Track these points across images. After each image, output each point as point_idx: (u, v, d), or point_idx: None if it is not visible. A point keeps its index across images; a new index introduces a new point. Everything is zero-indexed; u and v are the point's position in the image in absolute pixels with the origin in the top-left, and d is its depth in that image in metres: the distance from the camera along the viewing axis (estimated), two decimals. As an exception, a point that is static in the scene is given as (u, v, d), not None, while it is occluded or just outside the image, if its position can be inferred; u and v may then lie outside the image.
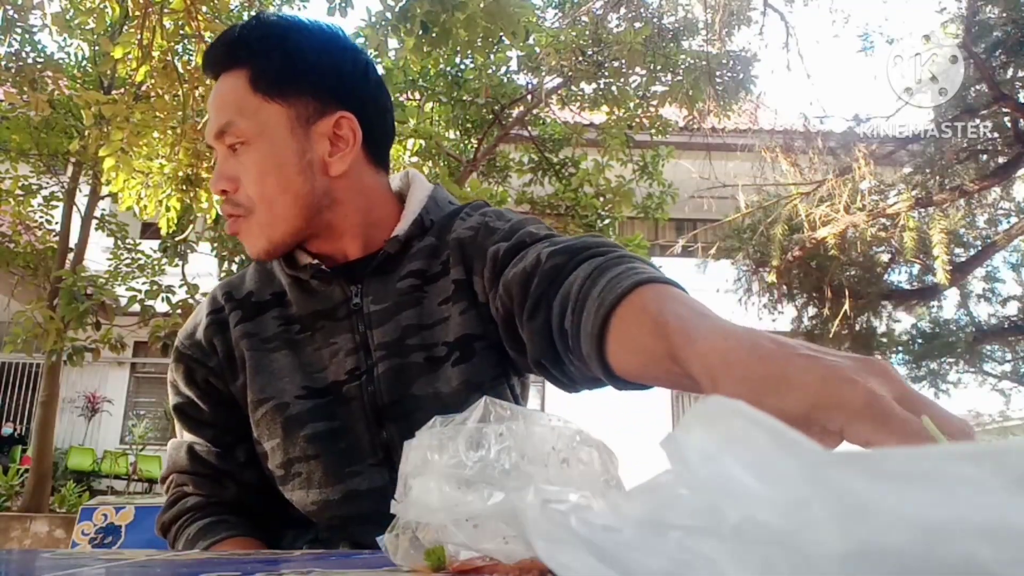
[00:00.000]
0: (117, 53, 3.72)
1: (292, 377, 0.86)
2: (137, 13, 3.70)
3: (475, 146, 7.02)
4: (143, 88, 4.80)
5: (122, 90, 5.44)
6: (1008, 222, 6.02)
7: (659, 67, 6.32)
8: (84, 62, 7.41)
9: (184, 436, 0.93)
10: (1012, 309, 6.49)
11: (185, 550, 0.85)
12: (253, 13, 8.17)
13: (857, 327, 6.41)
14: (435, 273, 0.87)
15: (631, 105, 6.50)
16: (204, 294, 5.55)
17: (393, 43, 3.92)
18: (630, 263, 0.64)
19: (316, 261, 0.87)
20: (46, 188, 7.26)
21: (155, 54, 3.77)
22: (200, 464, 0.90)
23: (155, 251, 6.82)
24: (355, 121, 0.84)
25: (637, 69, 6.28)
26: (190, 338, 0.92)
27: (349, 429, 0.85)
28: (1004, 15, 4.81)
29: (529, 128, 7.04)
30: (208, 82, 4.20)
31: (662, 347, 0.52)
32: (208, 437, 0.91)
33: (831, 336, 6.23)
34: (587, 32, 6.19)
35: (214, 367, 0.89)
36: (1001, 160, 5.28)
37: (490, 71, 6.52)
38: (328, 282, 0.87)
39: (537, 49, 5.98)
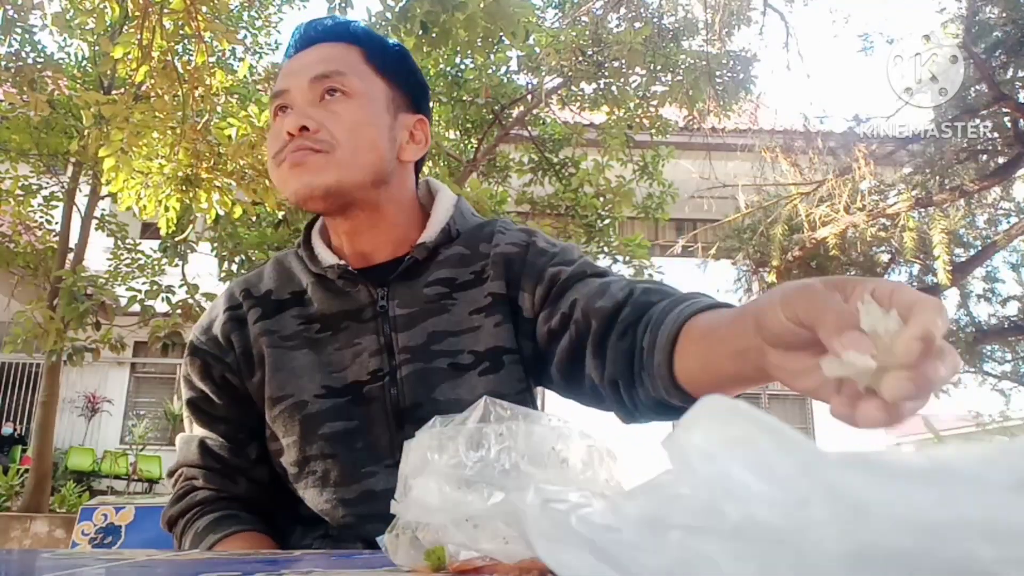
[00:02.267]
0: (117, 53, 3.72)
1: (311, 376, 0.86)
2: (137, 13, 3.70)
3: (475, 146, 7.02)
4: (143, 88, 4.80)
5: (122, 90, 5.44)
6: (1008, 222, 6.02)
7: (659, 67, 6.31)
8: (84, 62, 7.40)
9: (195, 430, 0.92)
10: (1012, 309, 6.49)
11: (193, 545, 0.85)
12: (253, 13, 8.17)
13: (857, 327, 6.40)
14: (465, 282, 0.89)
15: (631, 105, 6.49)
16: (204, 294, 5.56)
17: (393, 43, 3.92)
18: (711, 299, 0.71)
19: (343, 262, 0.88)
20: (46, 188, 7.25)
21: (155, 54, 3.77)
22: (212, 459, 0.90)
23: (155, 251, 6.81)
24: (428, 128, 0.92)
25: (637, 69, 6.27)
26: (206, 333, 0.92)
27: (368, 430, 0.85)
28: (1004, 15, 4.81)
29: (529, 128, 7.04)
30: (208, 82, 4.19)
31: (725, 331, 0.59)
32: (221, 432, 0.91)
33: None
34: (587, 32, 6.18)
35: (231, 363, 0.90)
36: (1001, 160, 5.28)
37: (490, 71, 6.52)
38: (354, 283, 0.88)
39: (537, 49, 5.98)
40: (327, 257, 0.89)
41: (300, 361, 0.87)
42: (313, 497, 0.86)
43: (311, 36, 0.88)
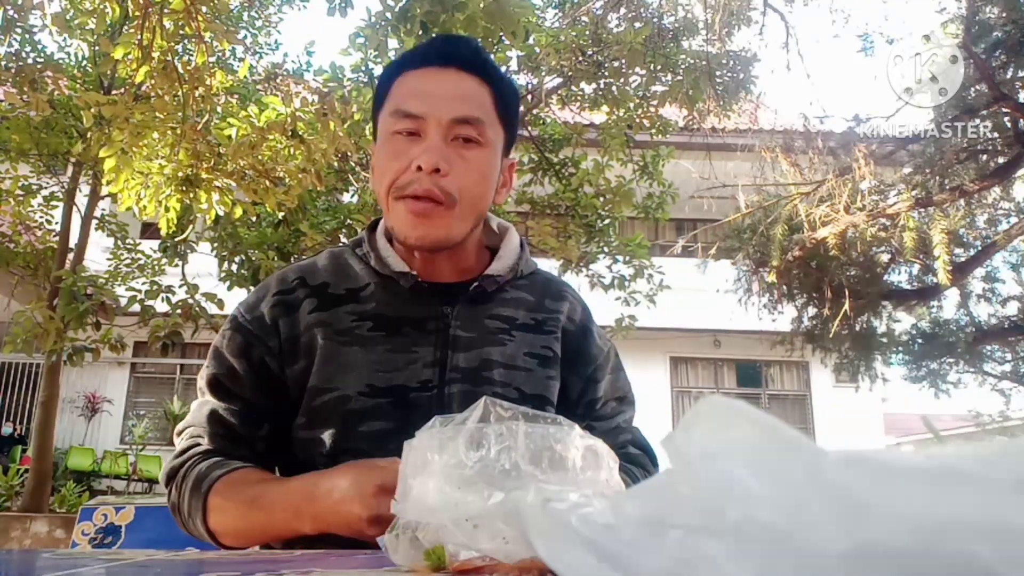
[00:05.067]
0: (117, 53, 3.72)
1: (358, 373, 0.88)
2: (137, 13, 3.70)
3: (475, 146, 6.99)
4: (143, 89, 4.80)
5: (122, 90, 5.44)
6: (1008, 222, 6.02)
7: (659, 67, 6.31)
8: (84, 62, 7.40)
9: (209, 398, 0.92)
10: (1012, 309, 6.48)
11: (195, 485, 0.85)
12: (253, 13, 8.16)
13: (857, 327, 6.40)
14: (525, 324, 0.96)
15: (631, 105, 6.49)
16: (204, 294, 5.55)
17: (393, 43, 3.92)
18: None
19: (414, 272, 0.91)
20: (46, 188, 7.24)
21: (155, 54, 3.76)
22: (220, 426, 0.90)
23: (155, 251, 6.81)
24: (514, 171, 0.98)
25: (637, 69, 6.27)
26: (251, 311, 0.93)
27: (404, 433, 0.86)
28: (1004, 15, 4.80)
29: (529, 128, 7.04)
30: (208, 82, 4.19)
31: None
32: (237, 407, 0.91)
33: (831, 336, 6.23)
34: (587, 32, 6.18)
35: (272, 347, 0.91)
36: (1001, 160, 5.28)
37: (490, 71, 6.50)
38: (422, 295, 0.92)
39: (537, 49, 5.98)
40: (397, 263, 0.92)
41: (350, 357, 0.89)
42: None
43: (450, 55, 0.89)
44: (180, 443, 0.92)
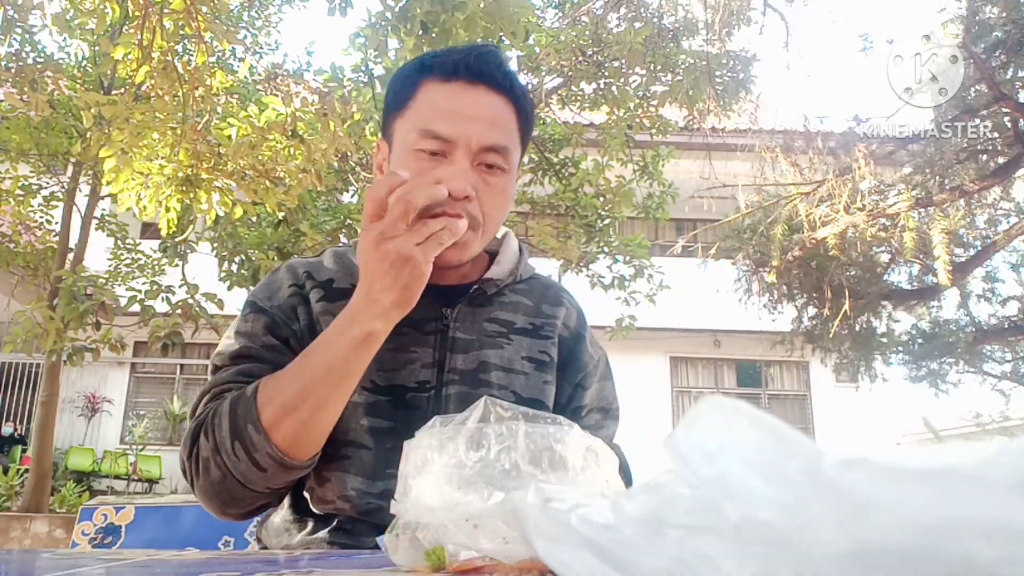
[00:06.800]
0: (117, 53, 3.72)
1: None
2: (137, 13, 3.70)
3: (475, 146, 7.00)
4: (143, 89, 4.80)
5: (122, 91, 5.44)
6: (1008, 222, 6.02)
7: (659, 67, 6.31)
8: (84, 62, 7.40)
9: (231, 367, 0.87)
10: (1012, 309, 6.49)
11: (236, 402, 0.79)
12: (253, 13, 8.16)
13: (857, 327, 6.41)
14: (523, 329, 0.97)
15: (631, 105, 6.49)
16: (204, 294, 5.55)
17: (393, 43, 3.92)
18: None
19: None
20: (46, 188, 7.24)
21: (155, 55, 3.77)
22: (252, 378, 0.84)
23: (155, 251, 6.81)
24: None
25: (637, 69, 6.28)
26: (271, 300, 0.92)
27: (401, 433, 0.85)
28: (1004, 15, 4.81)
29: (529, 128, 7.04)
30: (208, 82, 4.19)
31: None
32: (268, 369, 0.86)
33: (831, 336, 6.23)
34: (587, 32, 6.19)
35: (296, 331, 0.91)
36: (1001, 160, 5.28)
37: (490, 71, 6.50)
38: (422, 296, 0.90)
39: (537, 49, 5.98)
40: None
41: None
42: (337, 481, 0.87)
43: (481, 72, 0.86)
44: (200, 406, 0.86)
